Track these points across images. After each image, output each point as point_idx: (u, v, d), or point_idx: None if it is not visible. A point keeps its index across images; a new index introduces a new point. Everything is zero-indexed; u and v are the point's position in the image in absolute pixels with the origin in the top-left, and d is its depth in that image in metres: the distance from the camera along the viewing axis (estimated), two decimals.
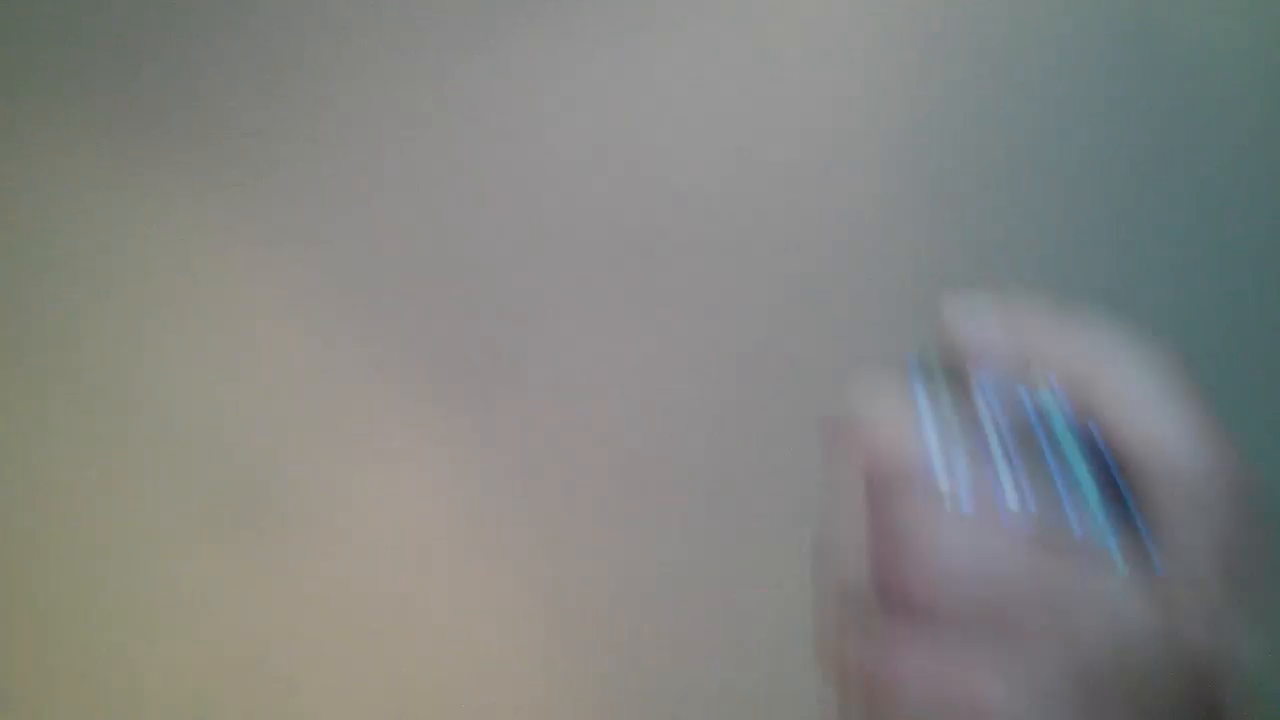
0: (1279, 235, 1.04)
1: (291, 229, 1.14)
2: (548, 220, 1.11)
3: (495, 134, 1.13)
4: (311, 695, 1.04)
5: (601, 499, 1.07)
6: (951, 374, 0.23)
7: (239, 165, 1.16)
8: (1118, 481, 0.21)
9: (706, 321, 1.08)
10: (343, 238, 1.14)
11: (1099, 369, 0.23)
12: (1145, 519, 0.21)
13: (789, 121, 1.11)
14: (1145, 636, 0.21)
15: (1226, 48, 1.05)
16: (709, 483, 1.06)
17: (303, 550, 1.07)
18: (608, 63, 1.14)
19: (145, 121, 1.17)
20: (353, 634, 1.04)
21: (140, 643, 1.05)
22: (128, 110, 1.18)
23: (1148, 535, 0.21)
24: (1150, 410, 0.22)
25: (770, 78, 1.12)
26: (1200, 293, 1.03)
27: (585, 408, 1.08)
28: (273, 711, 1.04)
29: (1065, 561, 0.21)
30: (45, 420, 1.11)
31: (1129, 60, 1.08)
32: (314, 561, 1.06)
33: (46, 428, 1.11)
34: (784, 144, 1.10)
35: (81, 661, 1.04)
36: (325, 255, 1.14)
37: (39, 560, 1.07)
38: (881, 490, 0.22)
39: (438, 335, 1.11)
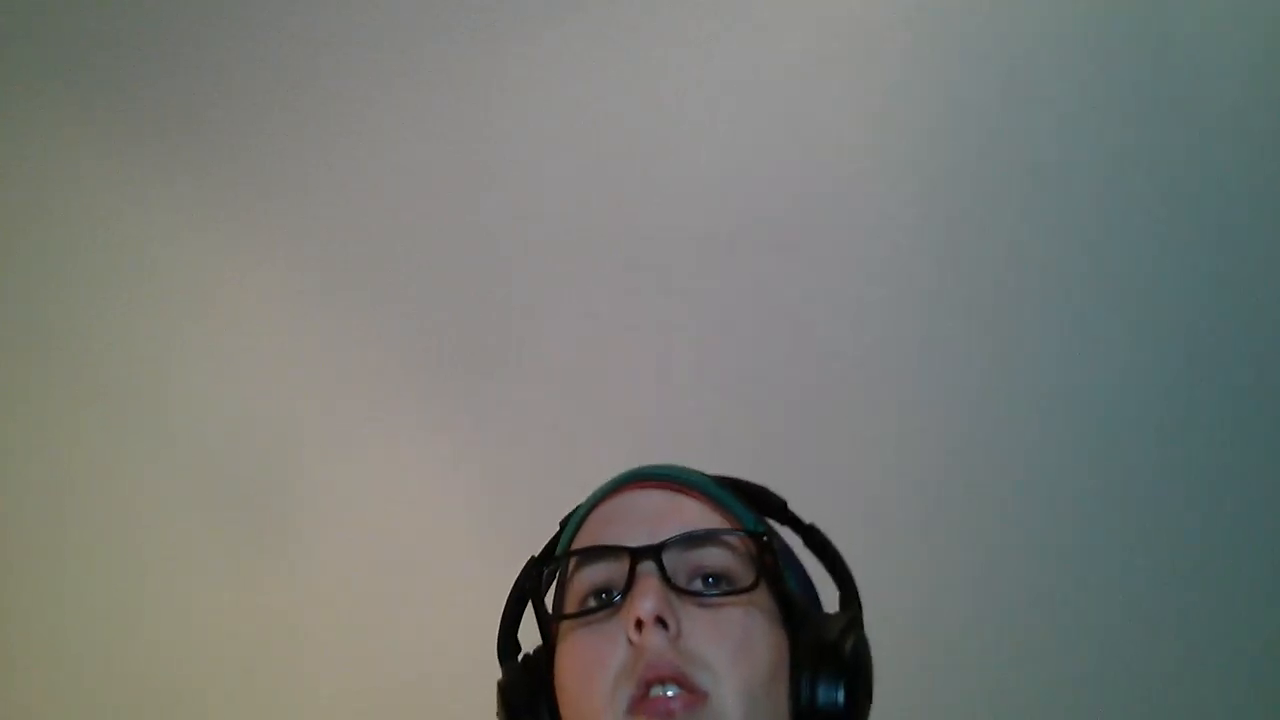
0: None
1: (296, 233, 1.14)
2: (548, 220, 1.11)
3: (498, 134, 1.12)
4: (312, 693, 1.03)
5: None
6: None
7: (249, 174, 1.15)
8: None
9: (710, 319, 1.08)
10: (346, 242, 1.13)
11: None
12: None
13: (795, 125, 1.10)
14: None
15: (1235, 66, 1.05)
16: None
17: (304, 549, 1.06)
18: (608, 63, 1.13)
19: (158, 130, 1.16)
20: (353, 632, 1.04)
21: (140, 640, 1.05)
22: (145, 119, 1.17)
23: None
24: None
25: (774, 81, 1.11)
26: (1203, 294, 1.02)
27: (587, 406, 1.08)
28: (273, 709, 1.04)
29: None
30: (46, 419, 1.10)
31: (1133, 68, 1.07)
32: (315, 561, 1.06)
33: (47, 427, 1.10)
34: (787, 144, 1.10)
35: (81, 658, 1.04)
36: (327, 258, 1.13)
37: (40, 559, 1.06)
38: None
39: (440, 340, 1.11)
